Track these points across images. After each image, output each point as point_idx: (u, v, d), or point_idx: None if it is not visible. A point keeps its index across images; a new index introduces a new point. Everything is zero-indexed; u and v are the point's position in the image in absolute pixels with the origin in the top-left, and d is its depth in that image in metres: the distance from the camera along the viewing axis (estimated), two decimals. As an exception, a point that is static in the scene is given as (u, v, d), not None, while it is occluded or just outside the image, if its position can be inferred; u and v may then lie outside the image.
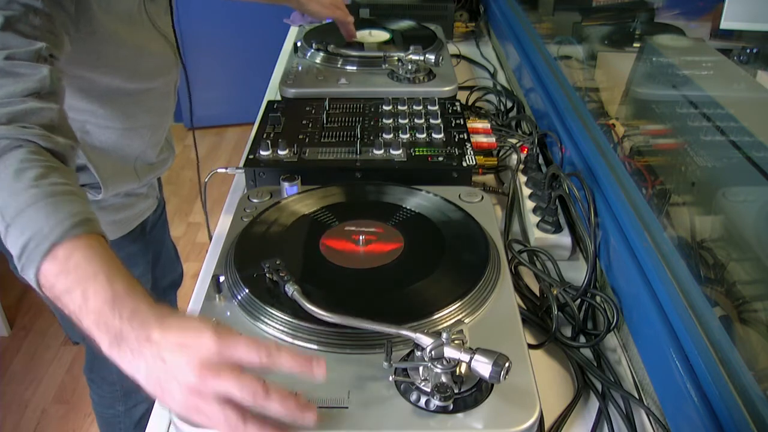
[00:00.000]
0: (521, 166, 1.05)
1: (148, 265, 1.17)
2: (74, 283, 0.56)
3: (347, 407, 0.57)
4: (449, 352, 0.57)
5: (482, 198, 0.88)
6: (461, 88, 1.35)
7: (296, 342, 0.63)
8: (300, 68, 1.32)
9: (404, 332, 0.60)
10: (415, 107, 1.12)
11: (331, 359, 0.62)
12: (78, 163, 0.81)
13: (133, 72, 0.95)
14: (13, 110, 0.64)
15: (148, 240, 1.16)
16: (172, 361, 0.53)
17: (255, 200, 0.88)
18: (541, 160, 1.07)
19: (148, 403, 1.26)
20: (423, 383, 0.58)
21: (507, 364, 0.54)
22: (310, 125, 1.08)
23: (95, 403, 1.34)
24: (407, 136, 1.03)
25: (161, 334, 0.54)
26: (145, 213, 1.11)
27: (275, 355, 0.53)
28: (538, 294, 0.83)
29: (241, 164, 1.00)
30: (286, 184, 0.87)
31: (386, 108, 1.12)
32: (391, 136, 1.03)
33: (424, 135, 1.04)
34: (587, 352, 0.75)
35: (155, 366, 0.53)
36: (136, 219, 1.08)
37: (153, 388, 0.54)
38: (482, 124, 1.15)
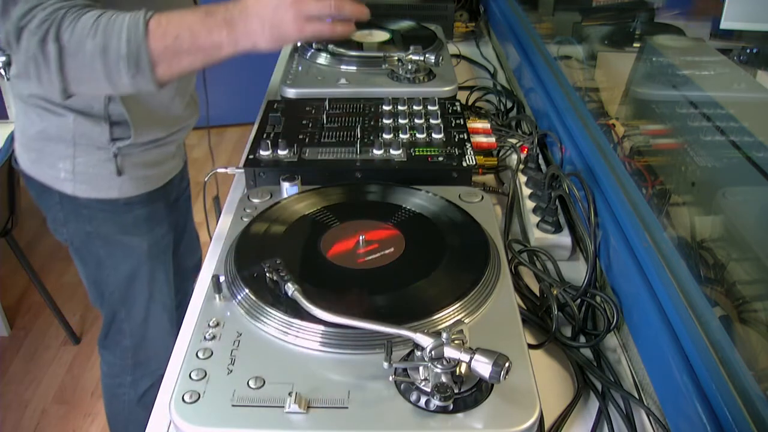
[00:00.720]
0: (521, 166, 1.05)
1: (171, 227, 1.21)
2: (176, 29, 0.76)
3: (347, 407, 0.57)
4: (449, 352, 0.57)
5: (482, 198, 0.88)
6: (461, 88, 1.35)
7: (296, 342, 0.63)
8: (300, 68, 1.32)
9: (404, 332, 0.60)
10: (415, 107, 1.12)
11: (331, 359, 0.62)
12: (112, 110, 0.98)
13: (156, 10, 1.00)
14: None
15: (172, 205, 1.22)
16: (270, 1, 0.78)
17: (255, 200, 0.88)
18: (541, 160, 1.07)
19: (153, 378, 1.31)
20: (423, 383, 0.58)
21: (507, 364, 0.54)
22: (310, 125, 1.08)
23: (104, 373, 1.37)
24: (407, 136, 1.04)
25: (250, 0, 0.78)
26: (172, 172, 1.17)
27: None
28: (538, 294, 0.83)
29: (241, 164, 1.00)
30: (286, 184, 0.87)
31: (386, 108, 1.12)
32: (391, 136, 1.03)
33: (424, 135, 1.04)
34: (587, 352, 0.75)
35: (264, 15, 0.78)
36: (163, 176, 1.15)
37: (271, 33, 0.79)
38: (482, 124, 1.15)
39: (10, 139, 1.75)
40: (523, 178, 1.02)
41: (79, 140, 1.01)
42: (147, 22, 0.75)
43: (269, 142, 0.99)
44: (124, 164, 1.04)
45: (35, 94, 0.99)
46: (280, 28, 0.78)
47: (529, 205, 0.96)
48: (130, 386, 1.33)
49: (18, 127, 1.06)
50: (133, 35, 0.75)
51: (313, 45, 1.36)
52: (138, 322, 1.23)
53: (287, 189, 0.87)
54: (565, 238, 0.90)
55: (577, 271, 0.87)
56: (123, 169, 1.04)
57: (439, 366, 0.57)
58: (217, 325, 0.65)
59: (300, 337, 0.63)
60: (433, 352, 0.57)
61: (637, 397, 0.69)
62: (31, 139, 1.03)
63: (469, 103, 1.32)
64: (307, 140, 1.03)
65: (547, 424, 0.66)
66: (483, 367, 0.55)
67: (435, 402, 0.57)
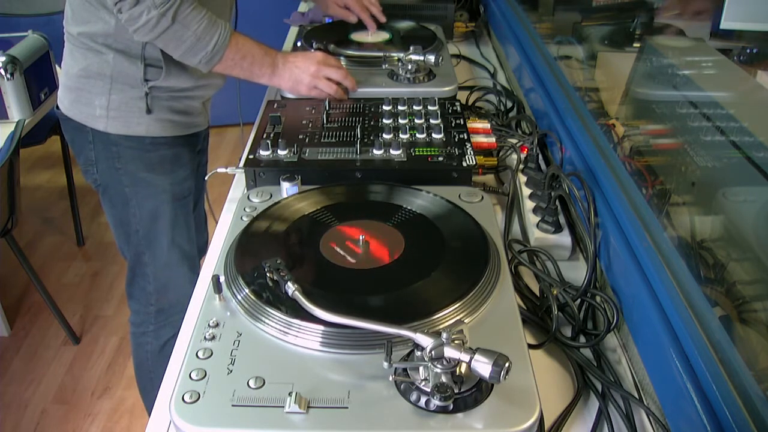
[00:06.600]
0: (521, 166, 1.05)
1: (192, 174, 1.32)
2: (244, 52, 1.11)
3: (347, 407, 0.57)
4: (449, 352, 0.57)
5: (482, 198, 0.88)
6: (461, 88, 1.35)
7: (296, 342, 0.63)
8: (300, 68, 1.32)
9: (404, 332, 0.60)
10: (415, 107, 1.12)
11: (331, 359, 0.62)
12: (148, 52, 1.12)
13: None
14: None
15: (195, 155, 1.33)
16: (302, 65, 1.16)
17: (255, 200, 0.88)
18: (541, 160, 1.07)
19: (174, 328, 1.36)
20: (423, 383, 0.58)
21: (507, 364, 0.54)
22: (310, 125, 1.08)
23: (131, 323, 1.44)
24: (407, 136, 1.03)
25: (292, 57, 1.17)
26: (196, 128, 1.30)
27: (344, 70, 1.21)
28: (538, 294, 0.83)
29: (241, 164, 1.00)
30: (286, 184, 0.87)
31: (386, 108, 1.12)
32: (390, 136, 1.03)
33: (424, 135, 1.04)
34: (587, 352, 0.75)
35: (294, 71, 1.16)
36: (188, 127, 1.27)
37: (292, 85, 1.17)
38: (482, 124, 1.15)
39: (10, 138, 1.76)
40: (523, 178, 1.02)
41: (116, 77, 1.15)
42: (231, 36, 1.08)
43: (269, 142, 0.99)
44: (153, 105, 1.18)
45: (84, 33, 1.14)
46: (298, 85, 1.17)
47: (529, 205, 0.96)
48: (153, 335, 1.41)
49: (63, 70, 1.22)
50: (220, 42, 1.07)
51: (314, 44, 1.36)
52: (160, 266, 1.32)
53: (287, 189, 0.87)
54: (565, 238, 0.90)
55: (577, 271, 0.87)
56: (152, 107, 1.18)
57: (439, 366, 0.57)
58: (217, 325, 0.66)
59: (300, 337, 0.63)
60: (433, 352, 0.57)
61: (637, 397, 0.69)
62: (74, 78, 1.18)
63: (469, 103, 1.32)
64: (307, 140, 1.03)
65: (547, 424, 0.66)
66: (483, 367, 0.55)
67: (435, 402, 0.57)
